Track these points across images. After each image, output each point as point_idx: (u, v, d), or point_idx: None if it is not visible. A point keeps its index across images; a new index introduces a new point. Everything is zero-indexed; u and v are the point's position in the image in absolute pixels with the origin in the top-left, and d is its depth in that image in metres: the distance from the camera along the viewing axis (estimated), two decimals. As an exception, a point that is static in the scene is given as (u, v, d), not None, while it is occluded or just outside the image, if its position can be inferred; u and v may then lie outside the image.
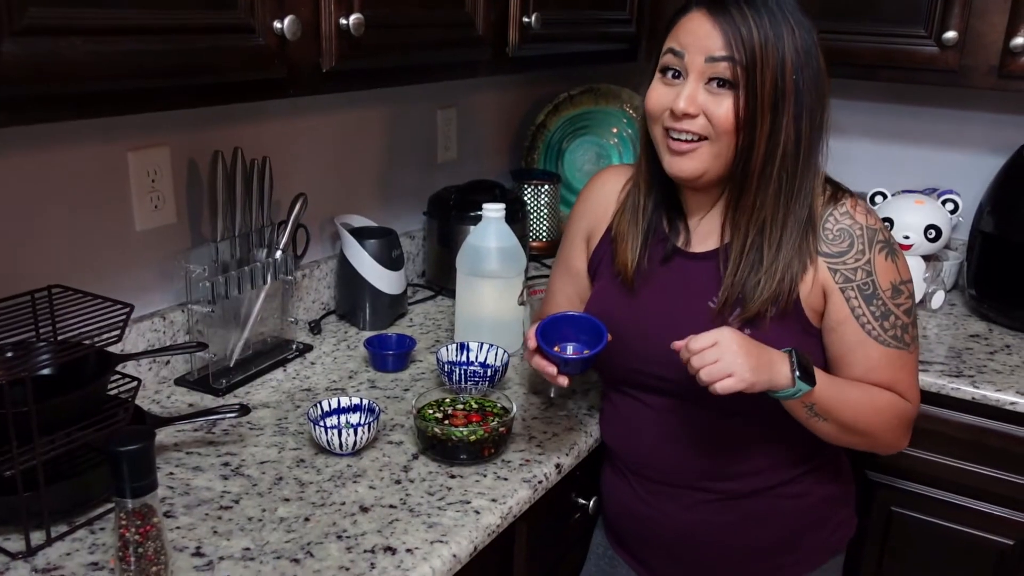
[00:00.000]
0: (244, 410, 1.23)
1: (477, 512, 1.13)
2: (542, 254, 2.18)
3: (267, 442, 1.28)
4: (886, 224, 1.21)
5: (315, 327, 1.70)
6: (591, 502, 1.41)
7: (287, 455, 1.25)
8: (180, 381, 1.46)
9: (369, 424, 1.24)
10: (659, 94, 1.14)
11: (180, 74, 1.05)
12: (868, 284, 1.14)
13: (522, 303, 1.58)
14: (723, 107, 1.09)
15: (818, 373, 1.09)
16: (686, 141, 1.12)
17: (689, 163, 1.13)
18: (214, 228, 1.43)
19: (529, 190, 2.20)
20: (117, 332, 1.09)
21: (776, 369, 1.05)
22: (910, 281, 1.18)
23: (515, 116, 2.36)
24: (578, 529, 1.44)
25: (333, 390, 1.46)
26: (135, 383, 1.19)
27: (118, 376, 1.21)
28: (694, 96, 1.10)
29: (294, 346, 1.60)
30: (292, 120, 1.65)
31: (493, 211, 1.61)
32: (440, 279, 1.94)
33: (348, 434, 1.22)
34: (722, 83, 1.09)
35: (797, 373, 1.05)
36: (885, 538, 1.75)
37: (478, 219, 1.66)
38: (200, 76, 1.07)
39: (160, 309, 1.47)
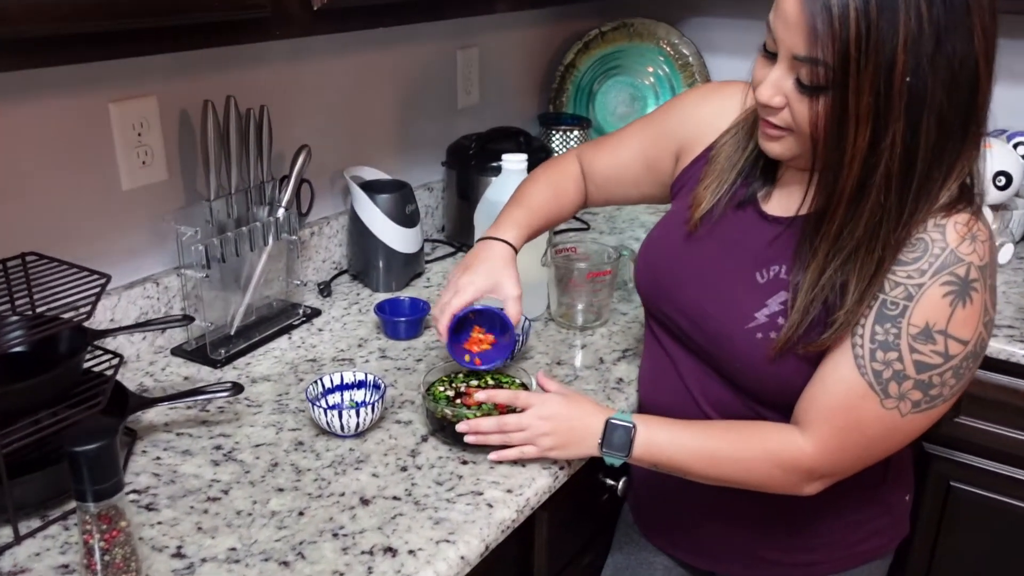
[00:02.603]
0: (237, 389, 1.13)
1: (490, 505, 1.02)
2: (570, 206, 2.02)
3: (264, 421, 1.18)
4: (989, 268, 0.92)
5: (325, 289, 1.59)
6: (620, 482, 1.29)
7: (285, 437, 1.14)
8: (177, 351, 1.36)
9: (373, 404, 1.12)
10: (756, 67, 0.95)
11: (146, 14, 0.92)
12: (896, 306, 0.91)
13: (545, 264, 1.45)
14: (806, 110, 0.88)
15: (661, 431, 1.05)
16: (773, 126, 0.94)
17: (776, 147, 0.96)
18: (208, 186, 1.31)
19: (557, 136, 2.04)
20: (87, 309, 0.99)
21: (586, 443, 1.08)
22: (963, 344, 0.90)
23: (542, 56, 2.19)
24: (606, 512, 1.33)
25: (340, 360, 1.35)
26: (116, 360, 1.09)
27: (100, 352, 1.11)
28: (779, 85, 0.90)
29: (301, 311, 1.49)
30: (294, 64, 1.51)
31: (514, 163, 1.47)
32: (460, 235, 1.81)
33: (350, 416, 1.11)
34: (806, 86, 0.88)
35: (604, 449, 1.06)
36: (942, 514, 1.62)
37: (500, 170, 1.52)
38: (169, 16, 0.94)
39: (153, 274, 1.36)
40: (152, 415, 1.18)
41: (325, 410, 1.11)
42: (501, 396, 1.12)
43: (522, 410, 1.10)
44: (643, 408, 1.24)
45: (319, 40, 1.51)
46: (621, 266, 1.51)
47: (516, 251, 1.20)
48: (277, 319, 1.46)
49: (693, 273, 1.09)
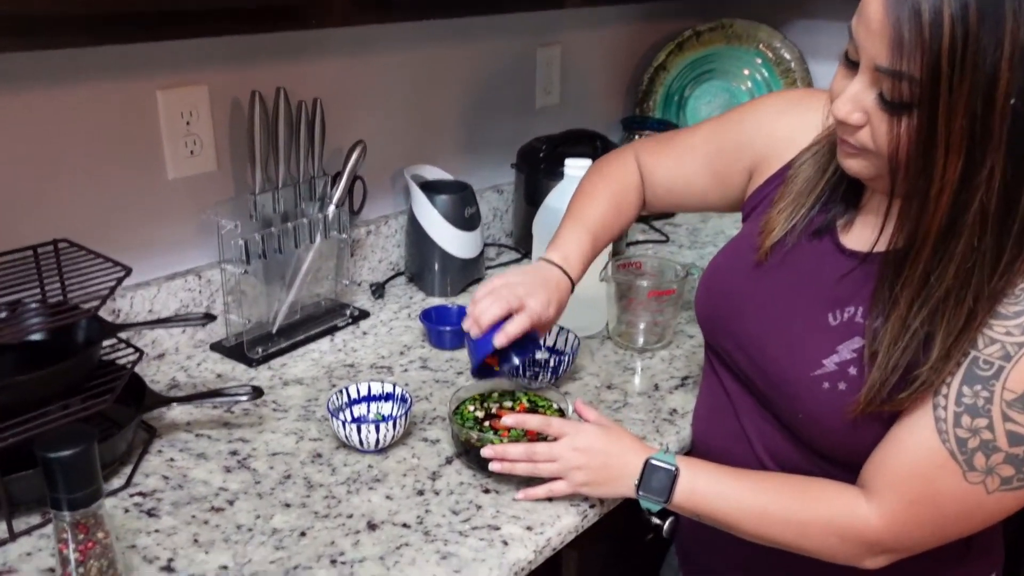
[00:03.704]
0: (256, 393, 1.07)
1: (505, 543, 0.93)
2: (643, 219, 1.90)
3: (287, 428, 1.12)
4: None
5: (377, 290, 1.53)
6: (667, 523, 1.17)
7: (304, 447, 1.08)
8: (216, 346, 1.32)
9: (396, 420, 1.05)
10: (835, 78, 0.82)
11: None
12: (990, 365, 0.77)
13: (604, 279, 1.35)
14: (885, 129, 0.76)
15: (707, 478, 0.94)
16: (850, 144, 0.82)
17: (854, 164, 0.84)
18: (253, 179, 1.27)
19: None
20: (97, 302, 0.95)
21: (622, 483, 0.97)
22: None
23: (630, 56, 2.07)
24: (648, 554, 1.22)
25: (378, 368, 1.29)
26: (137, 355, 1.05)
27: (122, 344, 1.08)
28: (858, 100, 0.78)
29: (348, 312, 1.44)
30: (358, 55, 1.46)
31: (577, 169, 1.38)
32: (527, 240, 1.71)
33: (369, 431, 1.04)
34: (889, 103, 0.75)
35: (641, 492, 0.96)
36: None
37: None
38: (197, 0, 0.89)
39: (197, 266, 1.33)
40: (176, 413, 1.14)
41: (344, 423, 1.04)
42: (532, 422, 1.03)
43: (554, 439, 1.01)
44: (695, 447, 1.13)
45: (386, 32, 1.45)
46: (688, 286, 1.40)
47: (573, 288, 1.12)
48: (323, 319, 1.41)
49: (757, 308, 0.97)
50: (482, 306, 1.03)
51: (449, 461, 1.07)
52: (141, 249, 1.26)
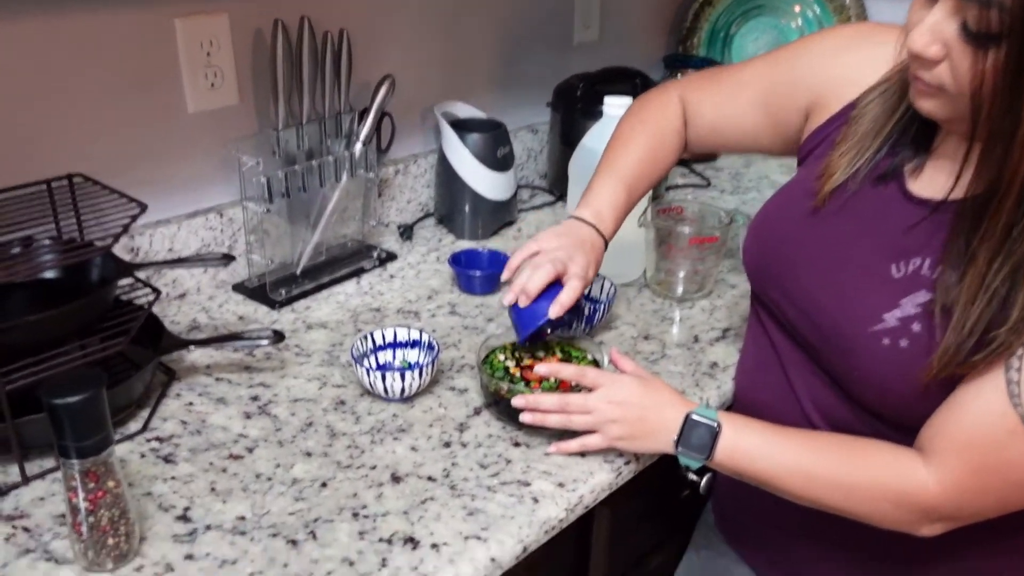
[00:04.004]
0: (278, 337, 1.03)
1: (535, 500, 0.88)
2: (684, 163, 1.81)
3: (309, 373, 1.08)
4: None
5: (406, 232, 1.47)
6: (704, 479, 1.12)
7: (327, 394, 1.04)
8: (239, 287, 1.28)
9: (422, 368, 1.00)
10: (912, 7, 0.75)
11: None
12: None
13: (643, 224, 1.28)
14: (967, 64, 0.69)
15: (751, 436, 0.89)
16: (925, 82, 0.75)
17: (928, 104, 0.76)
18: (275, 114, 1.21)
19: (682, 81, 1.83)
20: (111, 240, 0.90)
21: (659, 438, 0.92)
22: None
23: (675, -11, 1.97)
24: (684, 511, 1.17)
25: (405, 312, 1.24)
26: (154, 295, 1.01)
27: (140, 284, 1.04)
28: (938, 31, 0.71)
29: (375, 254, 1.38)
30: (386, -16, 1.38)
31: (617, 107, 1.30)
32: (562, 183, 1.64)
33: (394, 378, 0.99)
34: (973, 34, 0.68)
35: (680, 447, 0.90)
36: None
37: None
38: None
39: (219, 204, 1.28)
40: (196, 356, 1.10)
41: (368, 370, 1.00)
42: (566, 372, 0.97)
43: (589, 390, 0.96)
44: (738, 402, 1.07)
45: (415, -42, 1.37)
46: (732, 233, 1.32)
47: (606, 247, 1.06)
48: (349, 261, 1.36)
49: (812, 257, 0.90)
50: (525, 275, 0.99)
51: (478, 412, 1.02)
52: (160, 185, 1.21)
